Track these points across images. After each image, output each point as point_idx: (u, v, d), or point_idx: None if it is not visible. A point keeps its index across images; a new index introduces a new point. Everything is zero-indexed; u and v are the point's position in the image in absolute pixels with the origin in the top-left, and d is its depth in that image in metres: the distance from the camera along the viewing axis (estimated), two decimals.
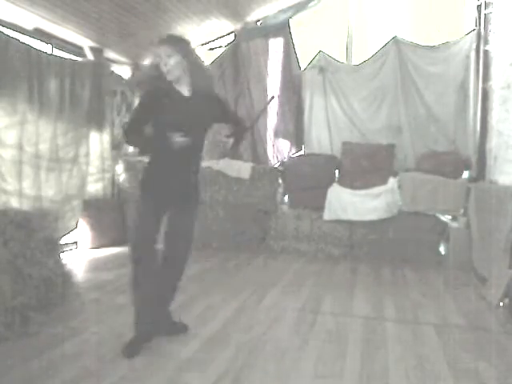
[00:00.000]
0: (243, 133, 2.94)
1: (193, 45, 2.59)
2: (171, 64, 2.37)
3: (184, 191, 2.56)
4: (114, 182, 5.63)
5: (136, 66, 6.14)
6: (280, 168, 5.48)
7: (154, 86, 2.50)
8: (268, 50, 5.90)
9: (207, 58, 6.23)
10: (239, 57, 5.95)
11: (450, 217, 4.90)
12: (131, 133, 2.53)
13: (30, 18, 4.35)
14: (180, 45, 2.43)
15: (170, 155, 2.40)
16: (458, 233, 4.52)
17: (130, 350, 2.38)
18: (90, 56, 5.26)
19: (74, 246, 5.05)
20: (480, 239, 4.06)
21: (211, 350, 2.47)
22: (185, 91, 2.46)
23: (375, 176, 4.98)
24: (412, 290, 3.79)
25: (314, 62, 5.64)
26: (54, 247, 3.16)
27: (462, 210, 4.70)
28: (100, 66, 5.29)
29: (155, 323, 2.54)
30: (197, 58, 2.53)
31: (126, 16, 4.80)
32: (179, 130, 2.33)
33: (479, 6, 5.06)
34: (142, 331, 2.46)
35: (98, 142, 5.32)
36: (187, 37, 2.67)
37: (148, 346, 2.47)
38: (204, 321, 2.92)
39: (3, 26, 4.18)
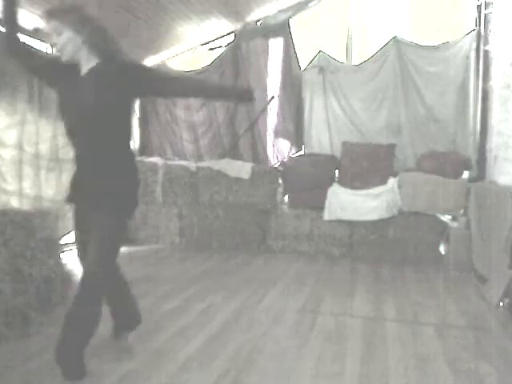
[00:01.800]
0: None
1: (89, 13, 2.12)
2: (61, 42, 2.02)
3: (94, 191, 2.13)
4: None
5: None
6: (280, 168, 5.48)
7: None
8: (268, 50, 5.89)
9: (207, 58, 6.24)
10: (239, 57, 5.95)
11: (449, 217, 4.90)
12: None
13: (30, 18, 4.35)
14: (71, 17, 2.03)
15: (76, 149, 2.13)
16: (457, 233, 4.52)
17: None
18: None
19: (74, 246, 5.04)
20: (480, 239, 4.06)
21: (211, 350, 2.47)
22: (83, 70, 2.08)
23: (375, 176, 4.98)
24: (412, 289, 3.79)
25: (314, 62, 5.64)
26: (54, 247, 3.16)
27: (462, 210, 4.70)
28: None
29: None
30: (96, 28, 2.07)
31: (125, 16, 4.80)
32: (72, 115, 2.05)
33: (479, 6, 5.06)
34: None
35: None
36: (80, 5, 2.15)
37: (148, 347, 2.48)
38: (204, 321, 2.93)
39: (3, 26, 4.17)
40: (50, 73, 2.17)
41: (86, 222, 2.18)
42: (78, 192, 2.17)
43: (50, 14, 2.04)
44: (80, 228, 2.27)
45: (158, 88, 2.16)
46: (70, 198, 2.23)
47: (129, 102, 2.14)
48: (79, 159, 2.14)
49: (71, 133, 2.11)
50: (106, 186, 2.11)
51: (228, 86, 2.30)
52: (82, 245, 2.28)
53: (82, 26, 2.03)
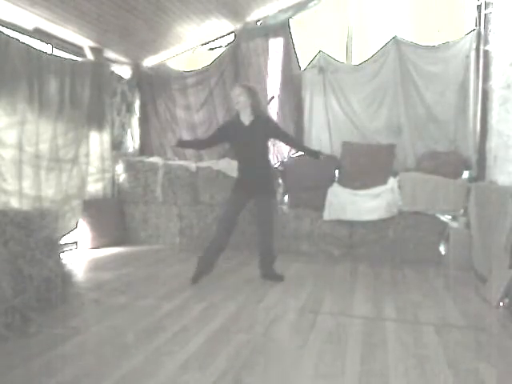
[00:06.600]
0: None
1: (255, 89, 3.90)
2: (241, 101, 3.75)
3: (258, 184, 3.85)
4: (114, 181, 5.64)
5: (136, 66, 6.14)
6: (280, 168, 5.48)
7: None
8: (268, 50, 5.90)
9: (207, 58, 6.24)
10: (239, 57, 5.96)
11: (449, 217, 4.90)
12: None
13: (30, 18, 4.35)
14: (249, 90, 3.77)
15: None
16: (457, 233, 4.52)
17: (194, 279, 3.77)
18: (90, 56, 5.26)
19: (74, 245, 5.05)
20: (480, 239, 4.06)
21: (211, 350, 2.47)
22: (246, 122, 3.80)
23: (375, 176, 4.98)
24: (412, 290, 3.79)
25: (313, 62, 5.65)
26: (53, 247, 3.16)
27: (462, 210, 4.70)
28: (100, 66, 5.29)
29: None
30: (257, 98, 3.82)
31: (125, 16, 4.80)
32: (242, 147, 3.87)
33: (479, 6, 5.06)
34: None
35: (98, 142, 5.33)
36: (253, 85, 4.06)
37: (148, 347, 2.48)
38: (204, 320, 2.92)
39: (3, 26, 4.18)
40: (222, 136, 3.97)
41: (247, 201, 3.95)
42: (243, 186, 3.86)
43: (241, 86, 3.84)
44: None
45: (279, 137, 4.07)
46: (236, 190, 3.90)
47: (268, 139, 3.95)
48: (244, 169, 3.89)
49: (240, 155, 3.91)
50: (262, 181, 3.89)
51: (307, 147, 4.58)
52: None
53: (251, 96, 3.77)
